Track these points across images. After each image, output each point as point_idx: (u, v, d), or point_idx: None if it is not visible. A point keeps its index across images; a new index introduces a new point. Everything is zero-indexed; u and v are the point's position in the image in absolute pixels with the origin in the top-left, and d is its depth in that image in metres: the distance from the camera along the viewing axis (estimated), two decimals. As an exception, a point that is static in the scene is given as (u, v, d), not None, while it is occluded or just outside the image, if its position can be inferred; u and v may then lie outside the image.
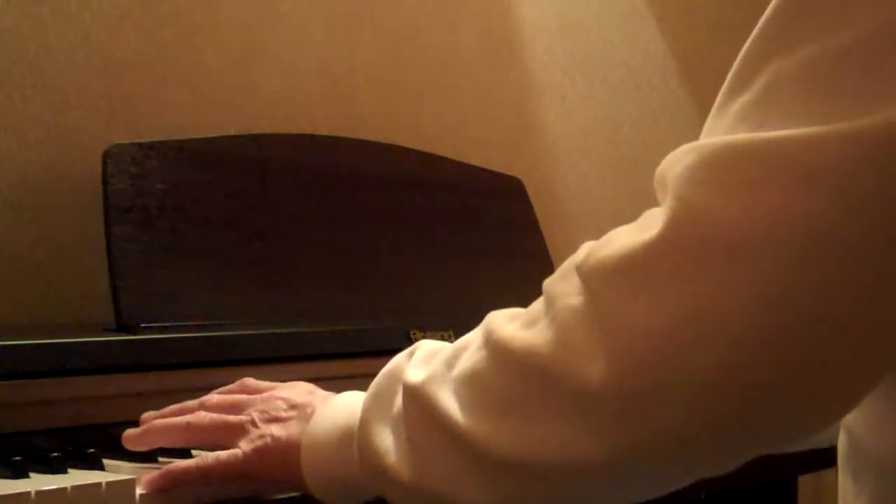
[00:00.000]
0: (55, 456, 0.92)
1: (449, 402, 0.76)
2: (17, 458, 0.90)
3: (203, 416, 0.95)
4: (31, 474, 0.90)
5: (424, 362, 0.81)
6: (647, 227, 0.68)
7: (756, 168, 0.65)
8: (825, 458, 1.01)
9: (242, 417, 0.93)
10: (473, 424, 0.74)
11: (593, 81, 2.08)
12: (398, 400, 0.82)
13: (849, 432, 0.79)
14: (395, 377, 0.83)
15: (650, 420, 0.67)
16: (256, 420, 0.92)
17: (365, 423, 0.84)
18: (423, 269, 1.51)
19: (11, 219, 1.36)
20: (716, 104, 0.71)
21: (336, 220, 1.44)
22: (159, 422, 0.97)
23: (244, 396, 0.96)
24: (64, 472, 0.91)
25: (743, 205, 0.64)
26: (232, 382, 1.01)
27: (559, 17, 2.03)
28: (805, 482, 1.77)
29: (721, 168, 0.66)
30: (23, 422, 1.03)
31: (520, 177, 1.74)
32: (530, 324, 0.73)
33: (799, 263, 0.64)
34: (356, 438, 0.84)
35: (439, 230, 1.55)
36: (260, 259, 1.34)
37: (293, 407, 0.92)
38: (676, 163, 0.68)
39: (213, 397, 0.98)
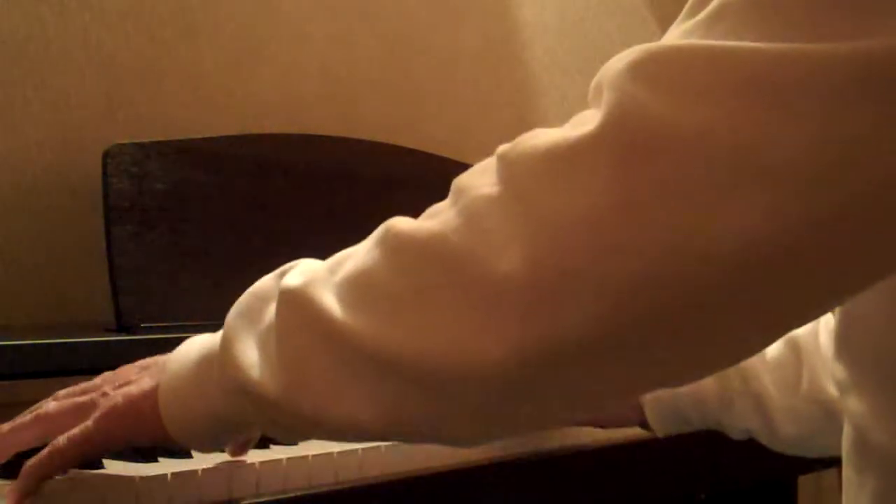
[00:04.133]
0: (55, 456, 0.92)
1: (331, 301, 0.69)
2: (18, 458, 0.90)
3: (50, 405, 0.85)
4: (31, 474, 0.89)
5: (302, 272, 0.74)
6: (580, 123, 0.63)
7: (711, 75, 0.60)
8: (825, 459, 1.01)
9: (93, 395, 0.84)
10: (357, 321, 0.67)
11: (593, 81, 2.08)
12: (269, 312, 0.74)
13: (854, 425, 0.78)
14: (264, 295, 0.76)
15: (560, 316, 0.61)
16: (108, 391, 0.83)
17: (228, 340, 0.75)
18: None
19: (11, 219, 1.36)
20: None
21: (336, 220, 1.44)
22: (6, 425, 0.86)
23: (96, 380, 0.87)
24: (64, 471, 0.91)
25: (691, 108, 0.60)
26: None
27: (559, 17, 2.03)
28: (805, 482, 1.77)
29: (669, 68, 0.61)
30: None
31: (520, 177, 1.73)
32: (434, 216, 0.68)
33: (740, 184, 0.59)
34: (217, 359, 0.76)
35: (439, 230, 1.55)
36: (260, 259, 1.34)
37: (145, 368, 0.84)
38: (617, 62, 0.63)
39: (65, 390, 0.88)
